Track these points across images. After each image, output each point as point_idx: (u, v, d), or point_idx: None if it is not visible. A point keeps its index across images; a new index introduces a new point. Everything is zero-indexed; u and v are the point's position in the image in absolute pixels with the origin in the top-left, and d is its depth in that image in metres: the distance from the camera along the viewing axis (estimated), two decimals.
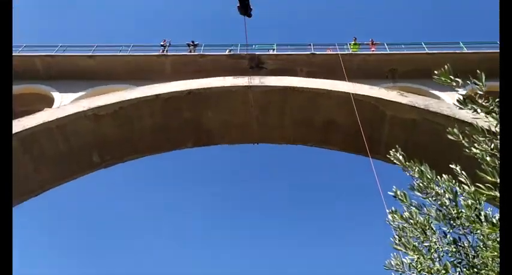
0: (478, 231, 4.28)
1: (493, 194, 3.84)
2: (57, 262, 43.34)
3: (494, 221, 4.31)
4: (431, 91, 16.48)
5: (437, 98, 16.14)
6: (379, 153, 16.24)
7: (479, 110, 4.58)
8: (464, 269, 4.58)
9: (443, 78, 5.03)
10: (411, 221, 5.03)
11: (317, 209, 46.18)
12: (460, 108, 4.75)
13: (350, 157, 18.31)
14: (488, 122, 4.49)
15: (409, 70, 17.51)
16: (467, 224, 4.31)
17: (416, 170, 4.98)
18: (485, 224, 4.07)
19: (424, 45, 18.37)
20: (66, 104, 16.40)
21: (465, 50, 17.82)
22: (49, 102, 16.92)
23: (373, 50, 19.02)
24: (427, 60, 17.27)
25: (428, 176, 4.84)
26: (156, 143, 18.00)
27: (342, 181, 46.08)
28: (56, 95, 16.96)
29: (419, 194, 4.91)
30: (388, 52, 18.16)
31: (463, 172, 4.96)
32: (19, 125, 14.82)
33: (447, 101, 15.65)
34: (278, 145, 18.65)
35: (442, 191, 4.84)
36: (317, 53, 18.24)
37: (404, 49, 18.53)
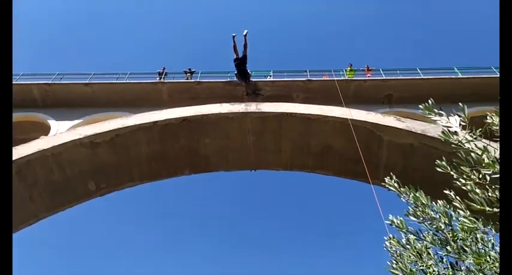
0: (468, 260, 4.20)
1: (476, 226, 3.83)
2: None
3: (480, 248, 4.27)
4: (428, 116, 16.49)
5: (434, 122, 16.13)
6: (378, 178, 16.11)
7: (464, 141, 4.61)
8: None
9: (427, 112, 5.18)
10: (408, 246, 4.94)
11: (313, 234, 45.67)
12: (445, 139, 4.77)
13: (345, 182, 18.18)
14: (474, 152, 4.50)
15: (405, 95, 17.61)
16: (463, 249, 4.23)
17: (411, 196, 4.93)
18: (470, 255, 3.99)
19: (419, 71, 18.54)
20: (62, 131, 16.37)
21: (459, 75, 17.97)
22: (46, 130, 16.91)
23: (368, 76, 19.19)
24: (423, 86, 17.41)
25: (423, 201, 4.78)
26: (153, 171, 17.89)
27: (339, 207, 45.67)
28: (52, 122, 16.97)
29: (414, 219, 4.84)
30: (384, 78, 18.30)
31: (457, 197, 4.91)
32: (15, 153, 14.75)
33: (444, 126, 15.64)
34: (275, 171, 18.54)
35: (438, 216, 4.79)
36: (313, 79, 18.39)
37: (400, 75, 18.67)
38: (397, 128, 15.58)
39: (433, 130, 15.28)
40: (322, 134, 16.78)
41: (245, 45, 17.13)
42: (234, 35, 17.13)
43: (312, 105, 16.82)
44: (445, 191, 5.10)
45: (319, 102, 17.03)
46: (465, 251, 4.11)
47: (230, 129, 17.08)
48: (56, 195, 16.28)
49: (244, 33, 16.96)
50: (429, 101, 5.06)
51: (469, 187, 4.11)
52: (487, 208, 3.85)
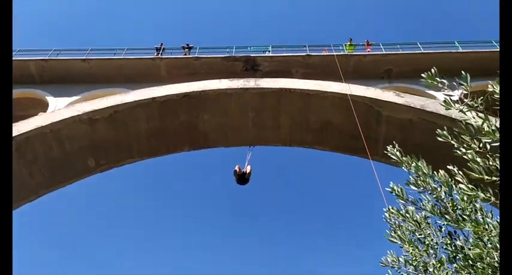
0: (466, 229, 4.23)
1: (482, 195, 3.82)
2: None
3: (478, 217, 4.30)
4: (427, 91, 16.45)
5: (433, 97, 16.10)
6: (376, 154, 16.21)
7: (465, 110, 4.58)
8: (460, 263, 4.53)
9: (429, 81, 5.09)
10: (407, 215, 4.99)
11: (311, 210, 46.17)
12: (447, 108, 4.74)
13: (344, 159, 18.26)
14: (476, 121, 4.47)
15: (405, 70, 17.50)
16: (462, 217, 4.27)
17: (412, 165, 4.93)
18: (468, 223, 4.02)
19: (419, 45, 18.38)
20: (60, 108, 16.30)
21: (460, 50, 17.83)
22: (44, 106, 16.83)
23: (368, 51, 19.02)
24: (423, 60, 17.25)
25: (424, 171, 4.78)
26: (152, 147, 17.90)
27: (338, 182, 45.98)
28: (50, 99, 16.87)
29: (415, 188, 4.85)
30: (384, 52, 18.15)
31: (459, 171, 4.92)
32: (14, 129, 14.71)
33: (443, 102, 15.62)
34: (274, 146, 18.57)
35: (438, 185, 4.81)
36: (312, 54, 18.22)
37: (400, 49, 18.52)
38: (396, 103, 15.54)
39: (432, 105, 15.25)
40: (321, 109, 16.73)
41: (249, 174, 16.21)
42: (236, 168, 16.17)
43: (311, 80, 16.73)
44: (448, 167, 5.10)
45: (319, 78, 16.93)
46: (464, 219, 4.14)
47: (229, 106, 17.02)
48: (56, 171, 16.32)
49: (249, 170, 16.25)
50: (432, 69, 4.97)
51: (469, 156, 4.11)
52: (486, 177, 3.87)
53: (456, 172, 4.66)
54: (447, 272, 4.70)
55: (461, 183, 4.13)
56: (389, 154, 5.29)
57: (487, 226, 4.08)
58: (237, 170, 15.95)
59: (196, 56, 18.59)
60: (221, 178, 47.47)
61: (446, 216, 4.43)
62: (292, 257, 44.62)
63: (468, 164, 4.05)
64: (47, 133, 15.46)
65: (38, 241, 43.86)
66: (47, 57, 18.02)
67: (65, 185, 16.97)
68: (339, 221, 45.78)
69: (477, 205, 4.36)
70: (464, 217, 4.23)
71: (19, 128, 14.88)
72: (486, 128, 4.09)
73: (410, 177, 5.00)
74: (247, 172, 16.09)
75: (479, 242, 4.04)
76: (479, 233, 4.08)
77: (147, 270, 40.56)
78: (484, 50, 17.39)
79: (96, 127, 16.17)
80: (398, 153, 5.29)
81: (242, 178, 15.95)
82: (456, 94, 5.08)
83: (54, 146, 15.91)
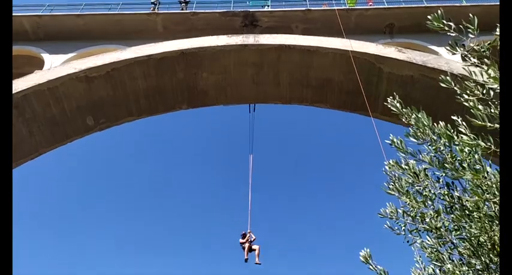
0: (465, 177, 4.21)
1: (483, 143, 3.76)
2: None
3: (477, 167, 4.27)
4: (429, 46, 16.17)
5: (436, 53, 15.85)
6: (376, 111, 16.16)
7: (469, 55, 4.46)
8: (457, 213, 4.56)
9: (435, 23, 4.89)
10: (406, 167, 4.98)
11: (313, 168, 46.66)
12: (453, 53, 4.60)
13: (343, 116, 18.20)
14: (481, 67, 4.36)
15: (407, 25, 17.10)
16: (460, 168, 4.24)
17: (412, 117, 4.86)
18: (467, 171, 3.98)
19: None
20: (56, 66, 16.05)
21: (464, 3, 17.35)
22: (39, 64, 16.57)
23: (370, 5, 18.49)
24: (426, 15, 16.76)
25: (424, 122, 4.71)
26: (151, 105, 17.77)
27: (339, 138, 46.12)
28: (46, 56, 16.59)
29: (414, 140, 4.80)
30: (386, 6, 17.66)
31: (463, 122, 4.84)
32: None
33: (445, 57, 15.38)
34: (274, 104, 18.45)
35: (438, 137, 4.76)
36: (313, 8, 17.75)
37: (402, 3, 18.02)
38: (398, 59, 15.29)
39: (434, 61, 15.02)
40: (321, 66, 16.48)
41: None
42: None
43: (312, 36, 16.38)
44: (452, 117, 5.02)
45: (319, 34, 16.58)
46: (464, 168, 4.11)
47: (228, 63, 16.75)
48: (55, 130, 16.28)
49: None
50: (438, 11, 4.76)
51: (471, 103, 4.03)
52: (488, 124, 3.80)
53: (458, 121, 4.58)
54: (444, 222, 4.77)
55: (463, 133, 4.08)
56: (389, 106, 5.20)
57: (486, 174, 4.05)
58: (242, 240, 15.29)
59: (193, 11, 18.11)
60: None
61: (446, 165, 4.39)
62: (292, 210, 45.71)
63: (471, 111, 3.97)
64: (44, 91, 15.29)
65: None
66: (40, 13, 17.56)
67: (65, 143, 16.98)
68: (338, 178, 46.40)
69: (476, 156, 4.33)
70: (464, 165, 4.19)
71: (16, 86, 14.71)
72: (492, 74, 3.97)
73: (410, 129, 4.95)
74: (254, 249, 15.20)
75: (478, 190, 4.03)
76: (478, 181, 4.06)
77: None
78: (488, 4, 16.93)
79: (93, 85, 15.98)
80: (398, 105, 5.20)
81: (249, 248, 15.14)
82: (462, 42, 4.90)
83: (52, 104, 15.78)
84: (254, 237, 15.44)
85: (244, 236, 15.35)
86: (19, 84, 14.81)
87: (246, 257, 14.93)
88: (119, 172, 46.41)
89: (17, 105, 14.80)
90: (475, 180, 4.00)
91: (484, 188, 3.97)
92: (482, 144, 3.88)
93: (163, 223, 46.84)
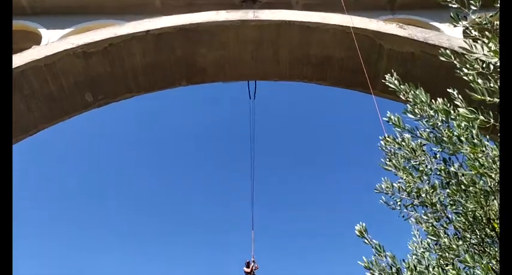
0: (462, 152, 4.22)
1: (482, 117, 3.75)
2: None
3: (475, 141, 4.26)
4: (431, 23, 15.98)
5: (437, 30, 15.68)
6: (376, 88, 16.08)
7: (471, 28, 4.41)
8: (453, 187, 4.59)
9: None
10: (403, 143, 4.98)
11: (312, 144, 46.89)
12: (454, 25, 4.56)
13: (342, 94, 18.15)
14: (482, 41, 4.32)
15: (409, 1, 16.85)
16: (457, 144, 4.23)
17: (410, 93, 4.84)
18: (465, 145, 3.98)
19: None
20: (54, 41, 15.89)
21: None
22: (37, 39, 16.39)
23: None
24: None
25: (422, 98, 4.69)
26: (149, 82, 17.68)
27: (337, 116, 46.10)
28: (43, 31, 16.37)
29: (412, 116, 4.80)
30: None
31: (459, 95, 4.82)
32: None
33: (447, 34, 15.25)
34: (273, 81, 18.36)
35: (435, 113, 4.74)
36: None
37: None
38: (399, 35, 15.14)
39: (435, 38, 14.88)
40: (322, 43, 16.33)
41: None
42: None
43: (312, 12, 16.16)
44: (448, 90, 5.01)
45: (320, 9, 16.34)
46: (461, 142, 4.11)
47: (227, 39, 16.58)
48: (54, 106, 16.25)
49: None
50: None
51: (471, 77, 4.00)
52: (488, 98, 3.78)
53: (454, 94, 4.57)
54: (439, 197, 4.80)
55: (459, 107, 4.07)
56: (387, 83, 5.19)
57: (484, 149, 4.06)
58: (246, 269, 15.29)
59: None
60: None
61: (444, 139, 4.39)
62: (288, 184, 46.13)
63: (471, 85, 3.94)
64: (42, 67, 15.19)
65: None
66: None
67: (63, 120, 16.97)
68: (336, 154, 46.63)
69: (474, 131, 4.32)
70: (462, 139, 4.19)
71: (13, 61, 14.59)
72: (493, 47, 3.93)
73: (407, 105, 4.93)
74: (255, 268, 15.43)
75: (476, 164, 4.03)
76: (476, 155, 4.07)
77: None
78: None
79: (91, 61, 15.86)
80: (396, 82, 5.19)
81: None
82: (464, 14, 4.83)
83: (50, 80, 15.70)
84: (257, 266, 15.34)
85: (248, 264, 15.26)
86: (16, 60, 14.70)
87: None
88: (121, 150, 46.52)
89: (14, 81, 14.72)
90: (473, 154, 4.00)
91: (482, 162, 3.98)
92: (481, 118, 3.87)
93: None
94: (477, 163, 4.01)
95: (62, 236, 44.86)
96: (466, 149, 4.04)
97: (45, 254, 45.68)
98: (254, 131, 19.57)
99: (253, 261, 15.27)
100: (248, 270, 15.10)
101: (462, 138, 4.19)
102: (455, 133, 4.49)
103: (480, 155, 4.00)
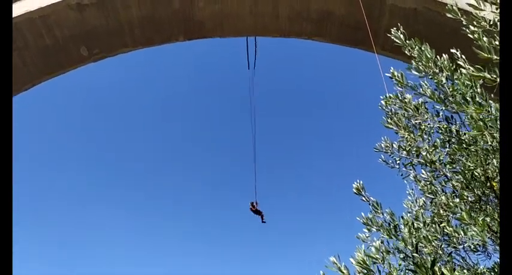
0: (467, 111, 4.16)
1: (489, 76, 3.66)
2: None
3: (480, 101, 4.22)
4: None
5: None
6: (376, 45, 15.82)
7: None
8: (453, 146, 4.59)
9: None
10: (405, 100, 4.93)
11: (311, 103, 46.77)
12: None
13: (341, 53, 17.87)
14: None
15: None
16: (461, 102, 4.18)
17: (415, 49, 4.72)
18: (470, 105, 3.93)
19: None
20: None
21: None
22: None
23: None
24: None
25: (428, 55, 4.58)
26: (146, 36, 17.27)
27: (337, 75, 45.71)
28: None
29: (416, 73, 4.71)
30: None
31: (462, 55, 4.72)
32: None
33: None
34: (272, 37, 17.99)
35: (440, 70, 4.65)
36: None
37: None
38: None
39: None
40: None
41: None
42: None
43: None
44: (451, 50, 4.89)
45: None
46: (466, 101, 4.06)
47: None
48: (49, 60, 15.96)
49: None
50: None
51: (476, 36, 3.90)
52: (494, 57, 3.70)
53: (457, 54, 4.47)
54: (440, 156, 4.81)
55: (463, 67, 3.98)
56: (393, 37, 5.05)
57: (489, 108, 4.01)
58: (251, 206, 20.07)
59: None
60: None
61: (449, 98, 4.34)
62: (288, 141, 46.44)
63: (476, 42, 3.84)
64: (36, 19, 14.79)
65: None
66: None
67: (59, 74, 16.73)
68: (336, 113, 46.66)
69: (478, 90, 4.26)
70: (467, 98, 4.13)
71: None
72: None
73: (412, 61, 4.83)
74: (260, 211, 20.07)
75: (480, 123, 4.00)
76: (480, 115, 4.03)
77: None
78: None
79: (86, 14, 15.41)
80: (402, 36, 5.05)
81: (257, 212, 20.04)
82: None
83: (44, 33, 15.34)
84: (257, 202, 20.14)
85: (252, 204, 20.02)
86: None
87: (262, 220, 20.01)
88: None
89: None
90: (477, 114, 3.96)
91: (486, 121, 3.94)
92: (488, 76, 3.79)
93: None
94: (481, 123, 3.97)
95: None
96: (471, 109, 3.98)
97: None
98: (254, 92, 20.45)
99: (256, 202, 19.99)
100: (253, 208, 19.98)
101: (467, 97, 4.13)
102: (459, 91, 4.41)
103: (485, 115, 3.96)
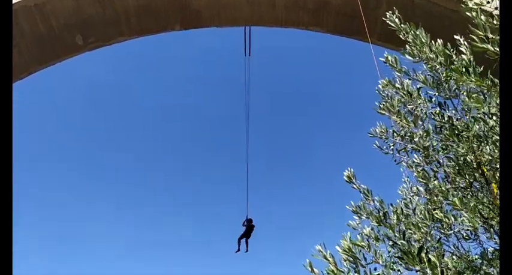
0: (463, 83, 4.11)
1: (492, 48, 3.63)
2: None
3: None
4: None
5: None
6: (373, 36, 15.79)
7: None
8: (446, 132, 4.60)
9: None
10: (399, 86, 4.93)
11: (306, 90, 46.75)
12: None
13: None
14: None
15: None
16: (466, 70, 4.09)
17: (411, 33, 4.71)
18: (472, 76, 3.90)
19: None
20: None
21: None
22: None
23: None
24: None
25: (422, 39, 4.58)
26: (142, 25, 17.17)
27: (332, 63, 45.58)
28: None
29: (410, 58, 4.70)
30: None
31: (465, 42, 4.69)
32: None
33: None
34: (268, 27, 17.93)
35: (435, 55, 4.65)
36: None
37: None
38: None
39: None
40: None
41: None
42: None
43: None
44: (455, 36, 4.85)
45: None
46: (468, 72, 3.99)
47: None
48: (44, 49, 15.86)
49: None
50: None
51: (474, 13, 3.87)
52: (491, 35, 3.69)
53: (460, 41, 4.44)
54: (432, 142, 4.83)
55: (465, 54, 3.97)
56: (388, 21, 5.03)
57: (490, 82, 3.97)
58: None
59: None
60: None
61: (442, 82, 4.33)
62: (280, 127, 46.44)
63: (474, 21, 3.82)
64: (31, 7, 14.68)
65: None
66: None
67: (54, 63, 16.65)
68: (329, 100, 46.65)
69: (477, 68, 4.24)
70: (470, 70, 4.05)
71: None
72: None
73: (406, 46, 4.83)
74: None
75: (481, 97, 3.97)
76: (481, 88, 3.98)
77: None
78: None
79: (81, 2, 15.31)
80: (397, 20, 5.03)
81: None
82: None
83: (39, 22, 15.23)
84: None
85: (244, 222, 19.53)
86: None
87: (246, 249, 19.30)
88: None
89: None
90: (477, 85, 3.91)
91: (486, 93, 3.91)
92: (490, 48, 3.74)
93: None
94: (482, 97, 3.95)
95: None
96: (473, 82, 3.93)
97: None
98: (249, 80, 20.13)
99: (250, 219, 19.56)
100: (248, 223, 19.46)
101: (470, 69, 4.05)
102: (454, 77, 4.39)
103: (485, 91, 3.93)
